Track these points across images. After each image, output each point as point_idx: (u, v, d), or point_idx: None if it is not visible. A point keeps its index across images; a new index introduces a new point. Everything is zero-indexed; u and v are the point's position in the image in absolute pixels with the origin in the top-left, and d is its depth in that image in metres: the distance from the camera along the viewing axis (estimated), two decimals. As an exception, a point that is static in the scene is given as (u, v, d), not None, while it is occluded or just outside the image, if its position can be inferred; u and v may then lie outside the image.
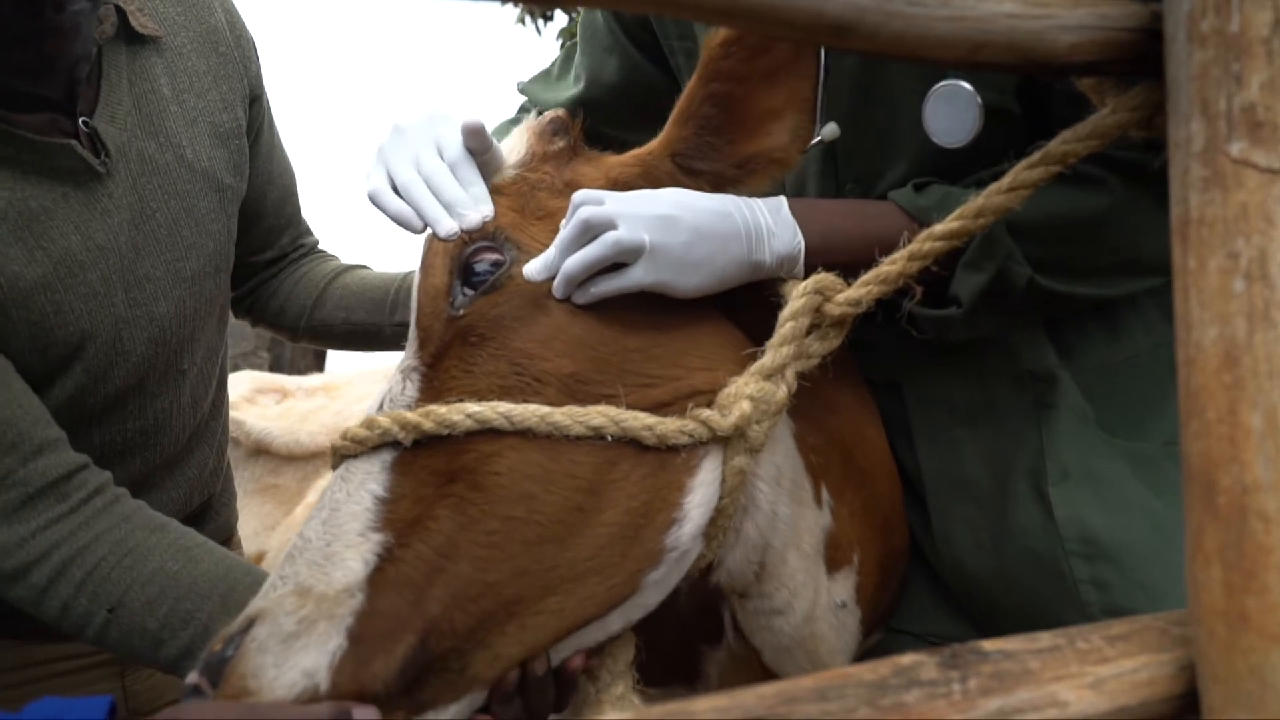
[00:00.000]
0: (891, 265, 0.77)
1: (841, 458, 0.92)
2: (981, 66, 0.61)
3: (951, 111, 0.87)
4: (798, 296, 0.78)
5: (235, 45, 1.15)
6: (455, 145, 0.83)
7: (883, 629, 1.03)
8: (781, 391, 0.77)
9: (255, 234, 1.26)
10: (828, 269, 0.81)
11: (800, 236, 0.82)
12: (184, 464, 1.18)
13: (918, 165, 0.91)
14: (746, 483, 0.80)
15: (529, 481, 0.72)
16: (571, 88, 1.16)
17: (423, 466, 0.73)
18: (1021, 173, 0.71)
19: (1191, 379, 0.55)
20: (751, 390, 0.76)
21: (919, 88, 0.88)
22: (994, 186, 0.72)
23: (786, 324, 0.78)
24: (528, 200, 0.84)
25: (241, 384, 1.99)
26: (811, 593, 0.88)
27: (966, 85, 0.85)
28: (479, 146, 0.83)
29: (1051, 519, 0.91)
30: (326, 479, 1.67)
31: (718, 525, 0.79)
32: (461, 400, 0.74)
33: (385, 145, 0.86)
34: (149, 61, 1.06)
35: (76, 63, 0.97)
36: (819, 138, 0.86)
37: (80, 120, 0.99)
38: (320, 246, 1.39)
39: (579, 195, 0.79)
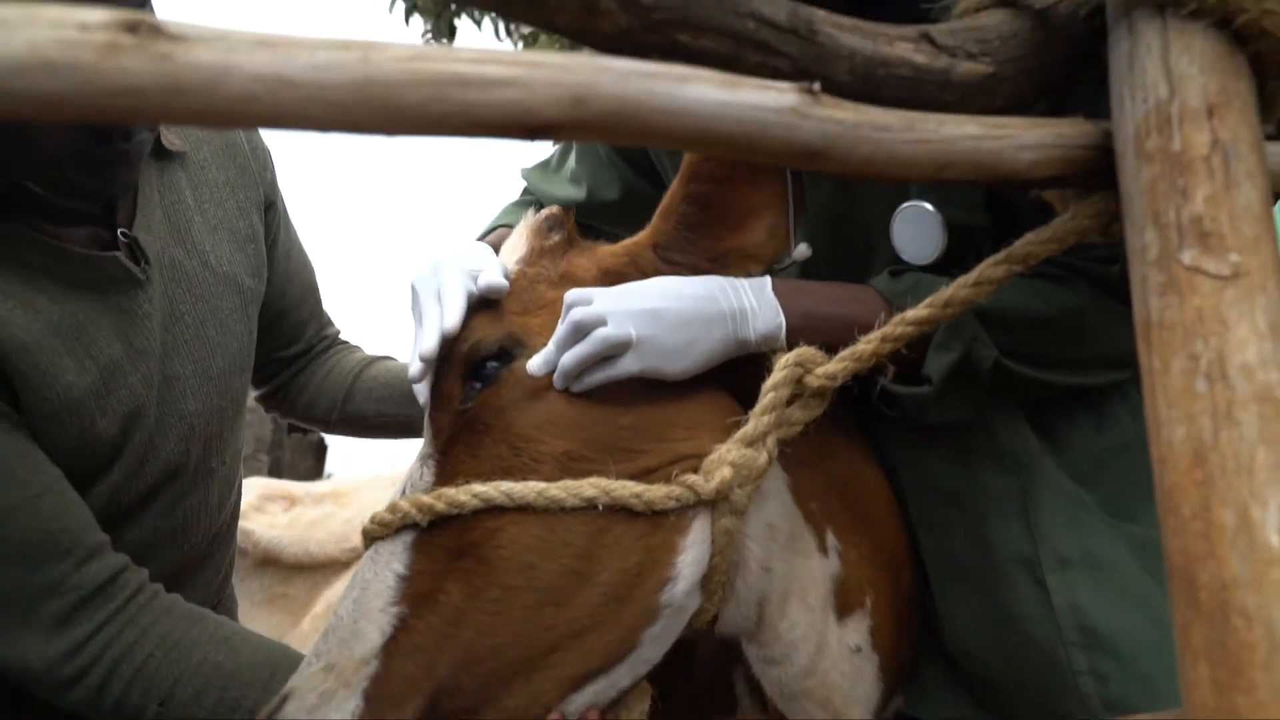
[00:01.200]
0: (867, 344, 0.82)
1: (845, 501, 0.96)
2: (948, 183, 0.65)
3: (918, 231, 0.93)
4: (780, 368, 0.84)
5: (251, 156, 1.23)
6: (457, 288, 0.90)
7: (902, 692, 1.03)
8: (763, 458, 0.82)
9: (280, 330, 1.34)
10: (808, 343, 0.87)
11: (782, 317, 0.88)
12: (205, 566, 1.22)
13: None
14: (735, 542, 0.85)
15: (528, 552, 0.79)
16: (571, 188, 1.24)
17: (437, 545, 0.81)
18: (987, 269, 0.75)
19: (1165, 477, 0.57)
20: (733, 457, 0.82)
21: (892, 203, 0.93)
22: (961, 280, 0.77)
23: (768, 394, 0.83)
24: (528, 294, 0.92)
25: (249, 491, 1.99)
26: (814, 645, 0.92)
27: (929, 207, 0.92)
28: (493, 296, 0.91)
29: (1050, 607, 0.92)
30: (336, 587, 1.67)
31: (714, 582, 0.84)
32: (469, 482, 0.81)
33: (416, 278, 0.94)
34: (175, 175, 1.14)
35: (130, 186, 1.05)
36: (792, 259, 0.91)
37: (120, 231, 1.06)
38: (343, 337, 1.46)
39: (570, 296, 0.87)
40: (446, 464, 0.86)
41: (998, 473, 0.96)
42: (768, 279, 0.90)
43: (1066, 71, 0.70)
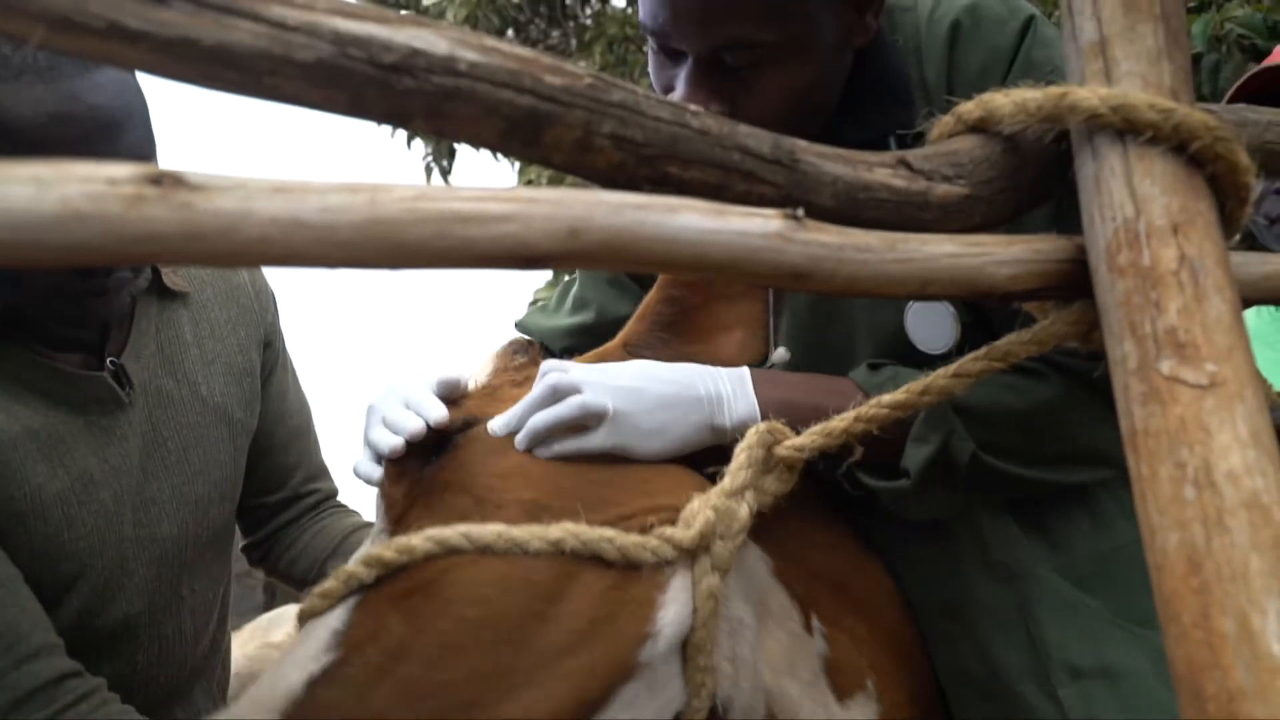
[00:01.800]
0: (840, 422, 0.80)
1: (831, 589, 0.92)
2: (932, 298, 0.68)
3: (931, 322, 0.94)
4: (752, 434, 0.83)
5: (255, 298, 1.28)
6: (424, 391, 0.90)
7: None
8: (744, 510, 0.79)
9: (264, 470, 1.32)
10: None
11: (758, 408, 0.87)
12: (184, 701, 1.18)
13: None
14: (720, 611, 0.79)
15: (486, 586, 0.72)
16: (575, 317, 1.21)
17: (384, 596, 0.73)
18: (966, 363, 0.76)
19: (1163, 584, 0.57)
20: (715, 503, 0.78)
21: (872, 305, 0.95)
22: (940, 371, 0.77)
23: (742, 453, 0.81)
24: (490, 394, 0.91)
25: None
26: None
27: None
28: (451, 395, 0.90)
29: None
30: None
31: (699, 666, 0.77)
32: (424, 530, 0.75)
33: (373, 400, 0.94)
34: (176, 313, 1.19)
35: (113, 317, 1.11)
36: (771, 362, 0.93)
37: (109, 360, 1.11)
38: (340, 499, 1.42)
39: (546, 364, 0.86)
40: (399, 531, 0.80)
41: (991, 583, 0.95)
42: (746, 369, 0.90)
43: (1040, 190, 0.74)
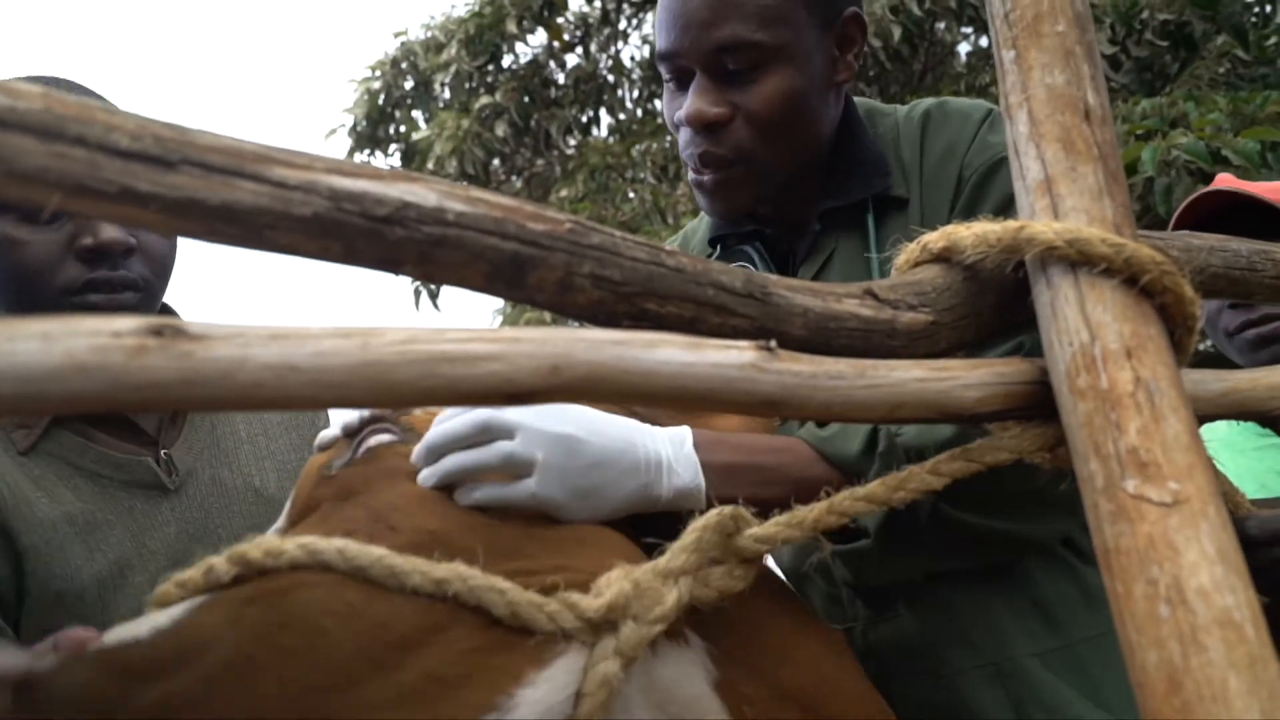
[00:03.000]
0: (810, 512, 0.74)
1: (802, 712, 0.78)
2: (903, 421, 0.70)
3: None
4: (712, 515, 0.73)
5: (313, 420, 1.35)
6: None
7: None
8: (672, 596, 0.68)
9: None
10: (728, 501, 0.77)
11: (701, 476, 0.81)
12: None
13: None
14: (618, 709, 0.67)
15: (327, 616, 0.63)
16: None
17: (230, 599, 0.65)
18: (943, 462, 0.74)
19: (1146, 703, 0.57)
20: (636, 577, 0.68)
21: None
22: (917, 467, 0.75)
23: (694, 534, 0.72)
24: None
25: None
26: None
27: None
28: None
29: None
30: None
31: None
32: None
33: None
34: (231, 414, 1.26)
35: (166, 410, 1.17)
36: None
37: (161, 451, 1.17)
38: None
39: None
40: (293, 532, 0.73)
41: (985, 686, 0.91)
42: (688, 431, 0.84)
43: (1000, 315, 0.77)
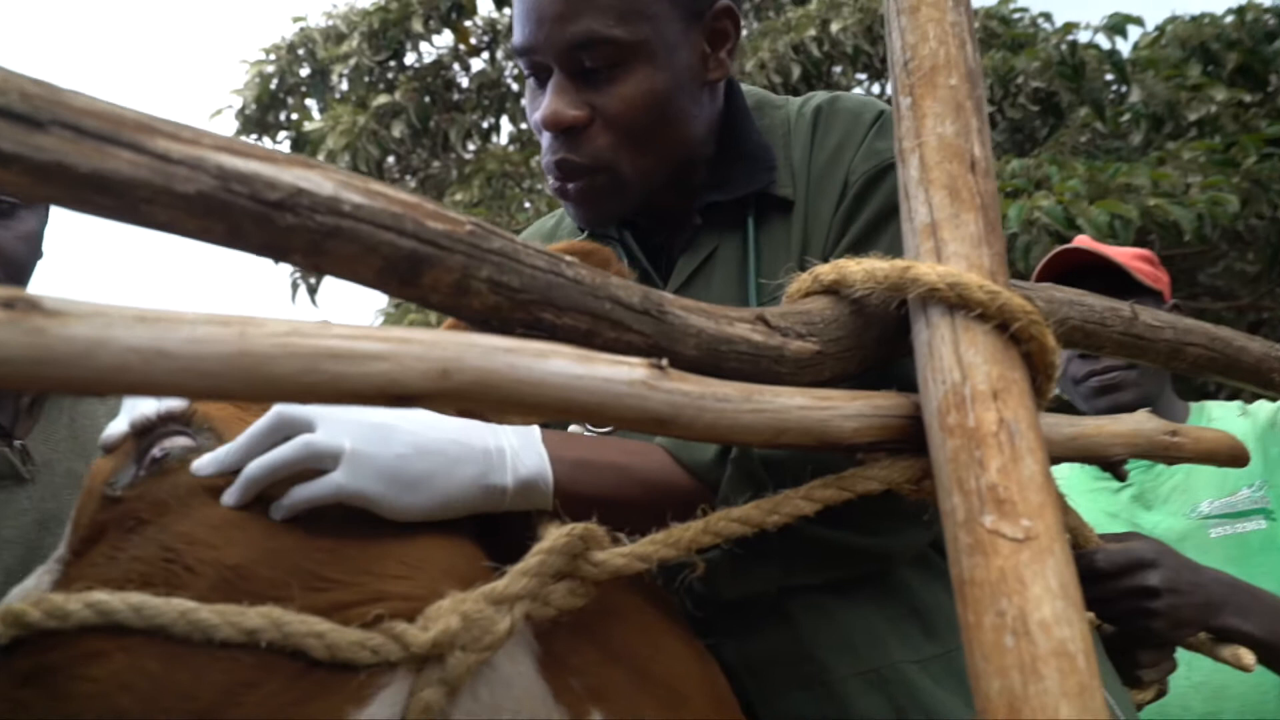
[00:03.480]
0: (684, 532, 0.71)
1: (630, 674, 0.75)
2: (785, 448, 0.72)
3: None
4: (559, 535, 0.69)
5: None
6: None
7: None
8: (504, 624, 0.64)
9: None
10: (580, 499, 0.74)
11: (548, 463, 0.74)
12: None
13: None
14: None
15: (124, 693, 0.57)
16: None
17: (6, 670, 0.58)
18: (816, 488, 0.75)
19: (987, 728, 0.60)
20: (467, 608, 0.63)
21: None
22: (790, 492, 0.75)
23: (538, 556, 0.67)
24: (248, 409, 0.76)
25: None
26: None
27: None
28: None
29: None
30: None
31: None
32: (92, 589, 0.60)
33: None
34: (91, 404, 1.25)
35: (22, 403, 1.18)
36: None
37: (15, 441, 1.16)
38: None
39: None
40: (74, 568, 0.65)
41: (864, 694, 0.88)
42: (536, 428, 0.78)
43: (882, 349, 0.81)
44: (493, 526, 0.74)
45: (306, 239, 0.51)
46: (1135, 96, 4.40)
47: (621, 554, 0.69)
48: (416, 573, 0.67)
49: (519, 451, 0.74)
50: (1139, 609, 0.94)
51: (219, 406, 0.74)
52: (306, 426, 0.67)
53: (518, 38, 0.94)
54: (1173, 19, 4.97)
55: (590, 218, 0.98)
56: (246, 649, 0.58)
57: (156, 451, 0.69)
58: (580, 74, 0.91)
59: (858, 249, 0.89)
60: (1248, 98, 4.46)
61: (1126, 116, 4.40)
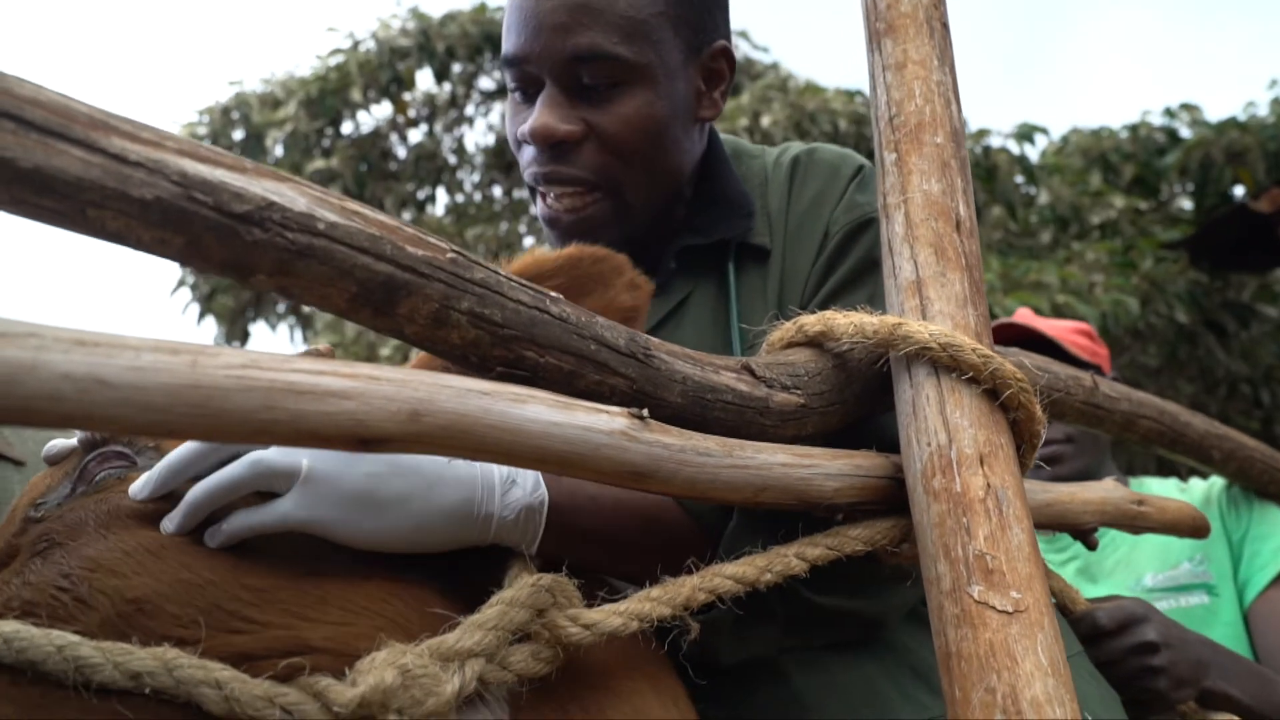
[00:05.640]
0: (680, 587, 0.65)
1: None
2: (765, 506, 0.69)
3: None
4: (525, 585, 0.60)
5: None
6: None
7: None
8: (451, 687, 0.55)
9: None
10: (573, 533, 0.69)
11: (544, 489, 0.67)
12: None
13: None
14: None
15: None
16: None
17: None
18: (805, 547, 0.72)
19: (973, 813, 0.57)
20: (407, 662, 0.54)
21: None
22: (782, 548, 0.71)
23: (496, 605, 0.59)
24: None
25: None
26: None
27: None
28: None
29: None
30: None
31: None
32: None
33: None
34: (8, 479, 1.18)
35: None
36: None
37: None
38: None
39: None
40: None
41: None
42: None
43: (862, 405, 0.78)
44: (455, 572, 0.66)
45: (274, 258, 0.46)
46: (1044, 199, 4.71)
47: (616, 611, 0.61)
48: (356, 619, 0.58)
49: (515, 475, 0.66)
50: (1145, 667, 0.92)
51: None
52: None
53: (509, 46, 0.89)
54: (1074, 130, 5.33)
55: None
56: (130, 696, 0.50)
57: (93, 475, 0.62)
58: (576, 89, 0.87)
59: (837, 300, 0.87)
60: (1143, 205, 4.81)
61: (1036, 218, 4.68)
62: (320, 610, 0.58)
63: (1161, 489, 1.48)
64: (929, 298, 0.74)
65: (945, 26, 0.88)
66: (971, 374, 0.67)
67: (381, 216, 0.51)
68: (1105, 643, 0.88)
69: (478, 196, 5.92)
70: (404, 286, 0.51)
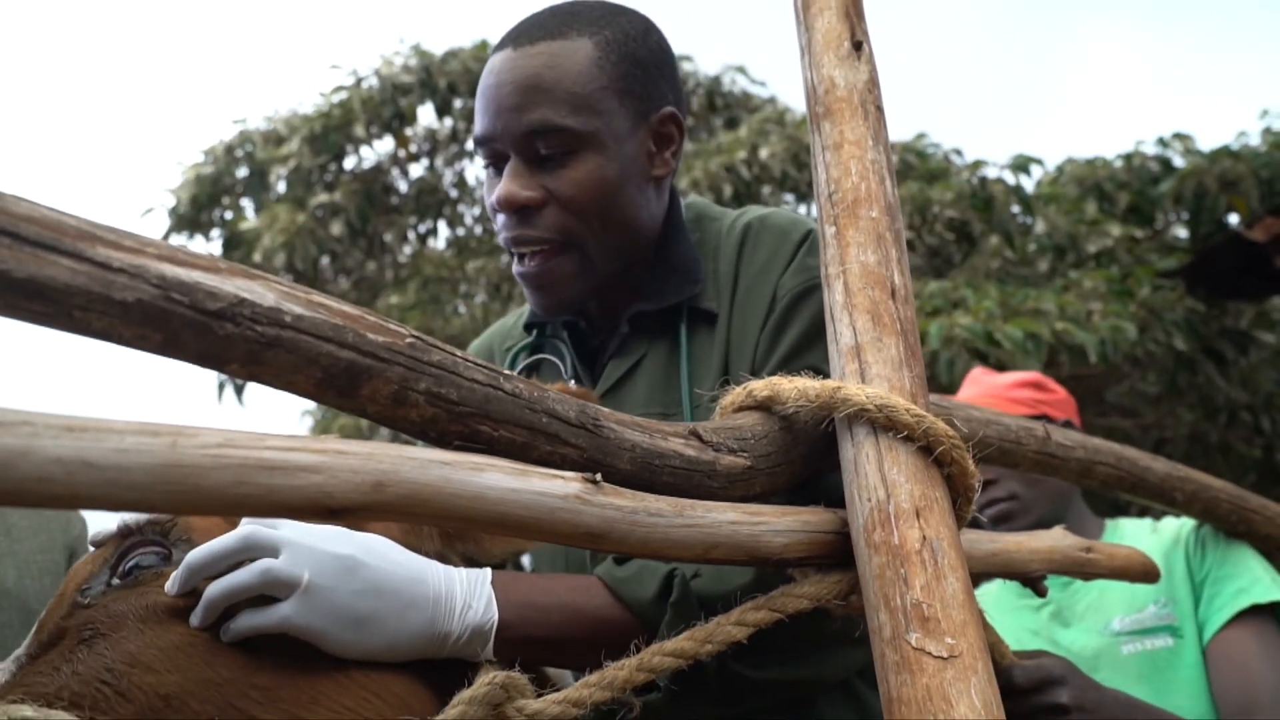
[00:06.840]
0: (620, 671, 0.71)
1: None
2: (717, 562, 0.73)
3: None
4: (482, 684, 0.67)
5: (64, 526, 1.42)
6: None
7: None
8: None
9: None
10: (521, 641, 0.76)
11: (495, 612, 0.76)
12: None
13: None
14: None
15: None
16: None
17: None
18: (748, 612, 0.76)
19: None
20: None
21: None
22: (722, 618, 0.75)
23: (456, 707, 0.66)
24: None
25: None
26: None
27: None
28: None
29: None
30: None
31: None
32: (24, 701, 0.60)
33: None
34: None
35: None
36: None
37: None
38: None
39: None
40: (21, 675, 0.66)
41: None
42: (488, 571, 0.79)
43: (809, 465, 0.83)
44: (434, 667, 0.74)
45: (245, 349, 0.51)
46: (1040, 228, 4.77)
47: (555, 700, 0.68)
48: (351, 711, 0.68)
49: (469, 598, 0.75)
50: None
51: (201, 516, 0.75)
52: (272, 550, 0.69)
53: (478, 128, 1.00)
54: (1069, 160, 5.43)
55: (549, 301, 1.01)
56: None
57: (129, 562, 0.71)
58: (535, 159, 0.97)
59: (789, 364, 0.92)
60: (1139, 233, 4.86)
61: (1033, 246, 4.74)
62: (312, 710, 0.67)
63: (1135, 530, 1.50)
64: (867, 361, 0.79)
65: (879, 109, 0.95)
66: (906, 433, 0.72)
67: (345, 306, 0.56)
68: (1019, 699, 0.91)
69: (478, 230, 6.02)
70: (365, 371, 0.56)
